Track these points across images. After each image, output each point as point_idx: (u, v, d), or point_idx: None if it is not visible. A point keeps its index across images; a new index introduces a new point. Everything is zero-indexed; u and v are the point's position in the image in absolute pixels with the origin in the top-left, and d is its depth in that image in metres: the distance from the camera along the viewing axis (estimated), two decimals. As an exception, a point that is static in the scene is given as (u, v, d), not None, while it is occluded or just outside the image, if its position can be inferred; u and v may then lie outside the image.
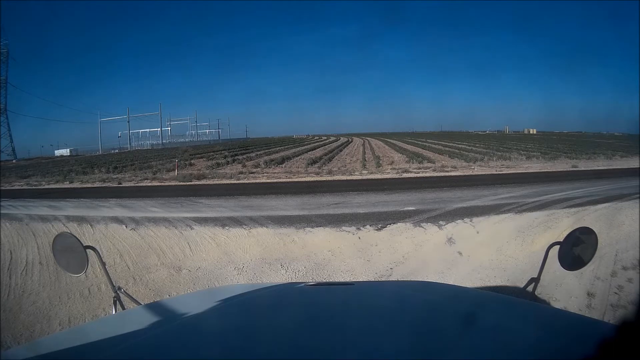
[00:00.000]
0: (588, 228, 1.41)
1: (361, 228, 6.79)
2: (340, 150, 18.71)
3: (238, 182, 12.34)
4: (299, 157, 16.35)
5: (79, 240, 1.41)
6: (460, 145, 18.91)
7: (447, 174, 13.76)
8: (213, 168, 14.55)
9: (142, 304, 1.37)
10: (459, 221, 6.96)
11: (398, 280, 4.25)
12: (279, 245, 6.26)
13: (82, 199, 10.44)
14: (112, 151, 19.95)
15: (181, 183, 12.53)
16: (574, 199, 8.17)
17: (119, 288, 1.42)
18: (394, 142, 21.04)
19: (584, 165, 15.40)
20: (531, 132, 22.38)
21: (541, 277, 1.38)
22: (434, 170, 14.47)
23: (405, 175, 13.73)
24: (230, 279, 5.18)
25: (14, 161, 17.98)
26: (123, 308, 1.40)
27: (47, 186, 14.49)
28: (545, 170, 14.12)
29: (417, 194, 9.56)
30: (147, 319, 1.06)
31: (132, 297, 1.50)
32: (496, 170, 14.34)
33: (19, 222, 7.70)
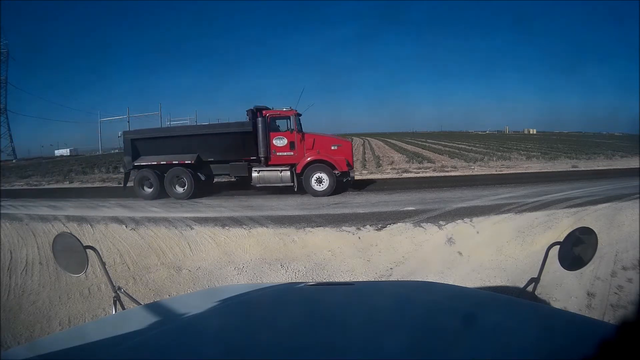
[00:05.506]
0: (588, 228, 1.41)
1: (361, 228, 6.79)
2: (340, 150, 18.65)
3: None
4: (299, 157, 16.29)
5: (79, 240, 1.41)
6: (460, 145, 18.91)
7: (447, 174, 13.77)
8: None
9: (142, 304, 1.37)
10: (459, 221, 6.95)
11: (398, 280, 4.24)
12: (279, 245, 6.26)
13: (82, 199, 10.45)
14: (112, 151, 19.95)
15: (181, 183, 12.50)
16: (574, 199, 8.16)
17: (119, 288, 1.42)
18: (394, 142, 21.04)
19: (584, 165, 15.40)
20: (531, 132, 22.38)
21: (541, 277, 1.38)
22: (434, 170, 14.48)
23: (405, 175, 13.74)
24: (230, 279, 5.18)
25: (14, 161, 17.99)
26: (123, 308, 1.40)
27: (47, 186, 14.50)
28: (545, 170, 14.12)
29: (417, 194, 9.56)
30: (147, 319, 1.06)
31: (132, 297, 1.50)
32: (496, 170, 14.34)
33: (19, 222, 7.71)
